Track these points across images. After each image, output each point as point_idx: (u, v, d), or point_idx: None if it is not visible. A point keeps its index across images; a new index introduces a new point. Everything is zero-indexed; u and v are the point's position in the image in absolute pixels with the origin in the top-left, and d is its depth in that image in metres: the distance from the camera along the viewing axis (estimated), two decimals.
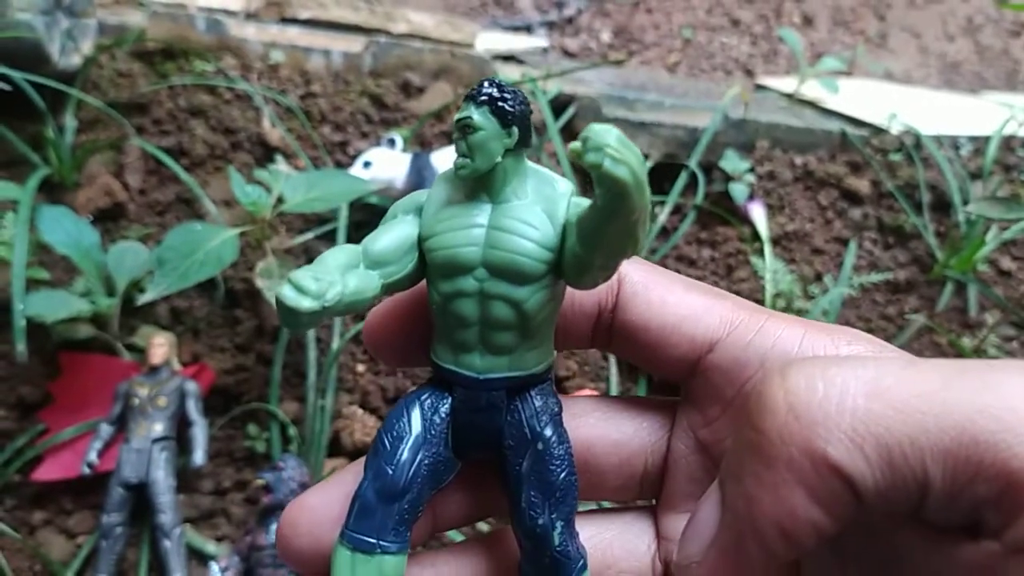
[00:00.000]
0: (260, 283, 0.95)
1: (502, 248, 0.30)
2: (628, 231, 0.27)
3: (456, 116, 0.30)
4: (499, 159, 0.30)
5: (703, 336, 0.32)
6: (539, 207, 0.30)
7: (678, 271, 1.23)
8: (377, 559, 0.30)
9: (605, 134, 0.25)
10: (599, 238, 0.28)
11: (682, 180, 1.29)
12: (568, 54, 2.24)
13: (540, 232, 0.30)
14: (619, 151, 0.25)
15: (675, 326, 0.32)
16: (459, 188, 0.31)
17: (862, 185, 1.36)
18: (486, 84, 0.29)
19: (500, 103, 0.29)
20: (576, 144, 0.26)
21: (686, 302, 0.33)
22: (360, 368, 1.05)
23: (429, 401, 0.32)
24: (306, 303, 0.27)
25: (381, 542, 0.30)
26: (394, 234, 0.31)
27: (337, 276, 0.28)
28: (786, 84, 1.63)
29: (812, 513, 0.24)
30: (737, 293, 1.36)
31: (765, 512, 0.25)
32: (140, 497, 0.89)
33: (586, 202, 0.29)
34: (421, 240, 0.31)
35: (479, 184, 0.30)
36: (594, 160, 0.25)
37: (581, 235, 0.28)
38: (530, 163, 0.31)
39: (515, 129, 0.29)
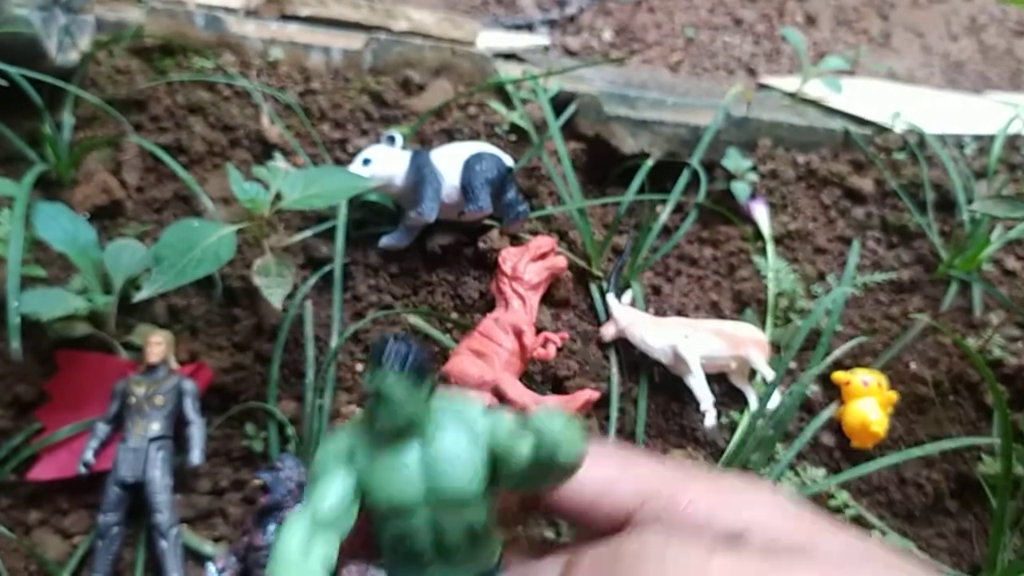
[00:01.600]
0: (258, 281, 0.94)
1: (441, 483, 0.32)
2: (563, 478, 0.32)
3: (367, 382, 0.31)
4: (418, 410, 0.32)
5: (620, 510, 0.34)
6: (462, 435, 0.33)
7: (679, 270, 1.23)
8: None
9: (554, 426, 0.29)
10: (533, 484, 0.32)
11: (684, 179, 1.28)
12: (570, 52, 2.23)
13: (469, 457, 0.32)
14: (570, 440, 0.29)
15: (592, 504, 0.34)
16: (383, 430, 0.33)
17: (865, 184, 1.35)
18: (391, 342, 0.31)
19: (410, 359, 0.31)
20: (527, 443, 0.30)
21: (597, 477, 0.35)
22: (359, 367, 1.04)
23: None
24: None
25: None
26: (335, 490, 0.33)
27: (318, 567, 0.30)
28: (789, 83, 1.62)
29: None
30: (739, 292, 1.33)
31: None
32: (137, 496, 0.89)
33: (503, 418, 0.32)
34: (360, 487, 0.33)
35: (403, 428, 0.33)
36: (549, 457, 0.29)
37: (512, 480, 0.32)
38: (440, 393, 0.34)
39: (427, 381, 0.32)
